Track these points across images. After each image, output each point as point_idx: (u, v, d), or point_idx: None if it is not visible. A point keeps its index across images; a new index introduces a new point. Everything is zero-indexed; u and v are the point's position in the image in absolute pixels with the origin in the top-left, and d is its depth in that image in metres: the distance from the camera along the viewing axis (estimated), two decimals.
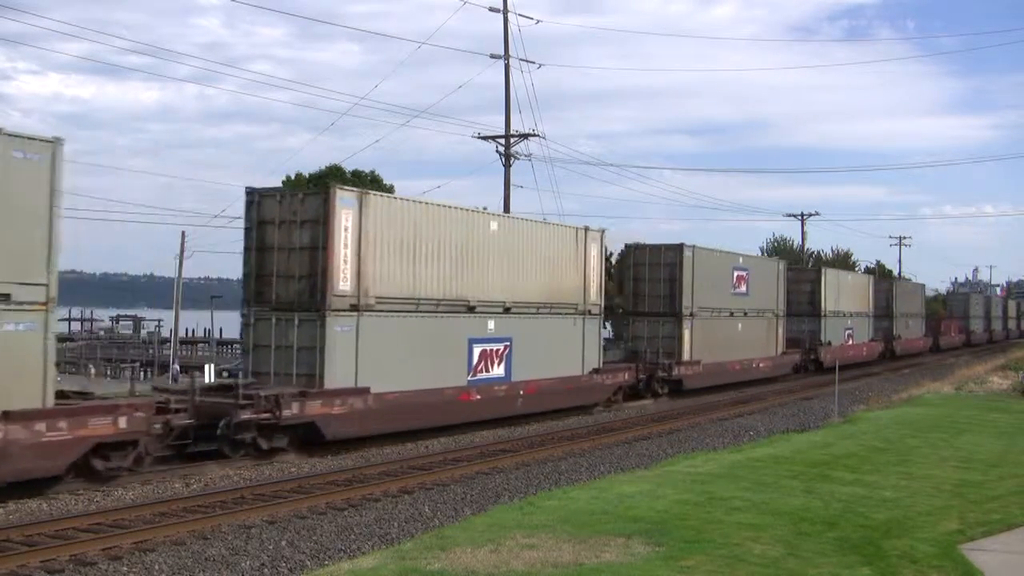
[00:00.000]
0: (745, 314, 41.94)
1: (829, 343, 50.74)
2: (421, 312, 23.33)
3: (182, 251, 48.90)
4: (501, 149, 38.34)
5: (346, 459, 20.67)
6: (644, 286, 37.71)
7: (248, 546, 13.06)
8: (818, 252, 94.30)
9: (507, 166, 38.04)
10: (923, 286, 78.96)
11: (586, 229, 30.65)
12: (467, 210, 25.83)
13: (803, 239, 77.94)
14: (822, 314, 50.48)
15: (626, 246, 52.52)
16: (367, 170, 46.64)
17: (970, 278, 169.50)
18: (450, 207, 24.88)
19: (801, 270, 54.98)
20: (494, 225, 26.24)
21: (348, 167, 46.19)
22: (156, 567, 12.00)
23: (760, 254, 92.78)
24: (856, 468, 17.66)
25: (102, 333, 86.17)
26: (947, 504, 14.55)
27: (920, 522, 13.22)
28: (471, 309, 25.06)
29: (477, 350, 25.47)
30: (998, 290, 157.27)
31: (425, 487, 17.46)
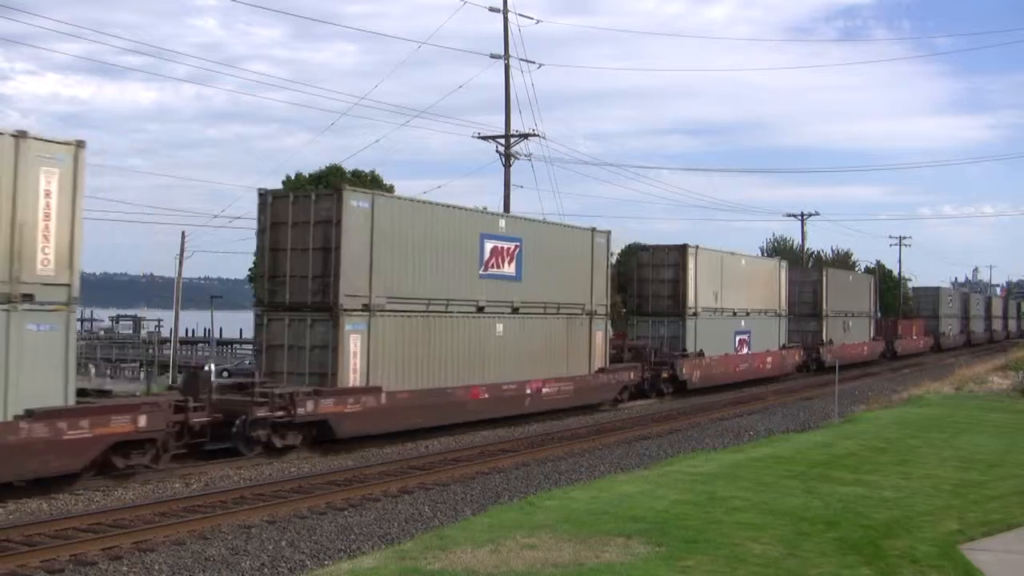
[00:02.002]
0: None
1: (701, 353, 37.46)
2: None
3: (182, 251, 48.91)
4: (501, 149, 38.33)
5: (346, 459, 20.67)
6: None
7: (248, 546, 13.06)
8: (818, 252, 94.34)
9: (507, 166, 38.04)
10: (871, 278, 68.59)
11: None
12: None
13: (803, 239, 77.98)
14: (689, 312, 37.30)
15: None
16: (367, 170, 46.61)
17: (970, 278, 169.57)
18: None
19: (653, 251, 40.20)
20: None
21: (348, 167, 46.18)
22: (156, 567, 12.00)
23: (760, 254, 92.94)
24: (856, 468, 17.66)
25: (102, 333, 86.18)
26: (947, 504, 14.56)
27: (920, 522, 13.22)
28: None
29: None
30: (998, 290, 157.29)
31: (425, 487, 17.46)
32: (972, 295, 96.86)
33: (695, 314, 37.42)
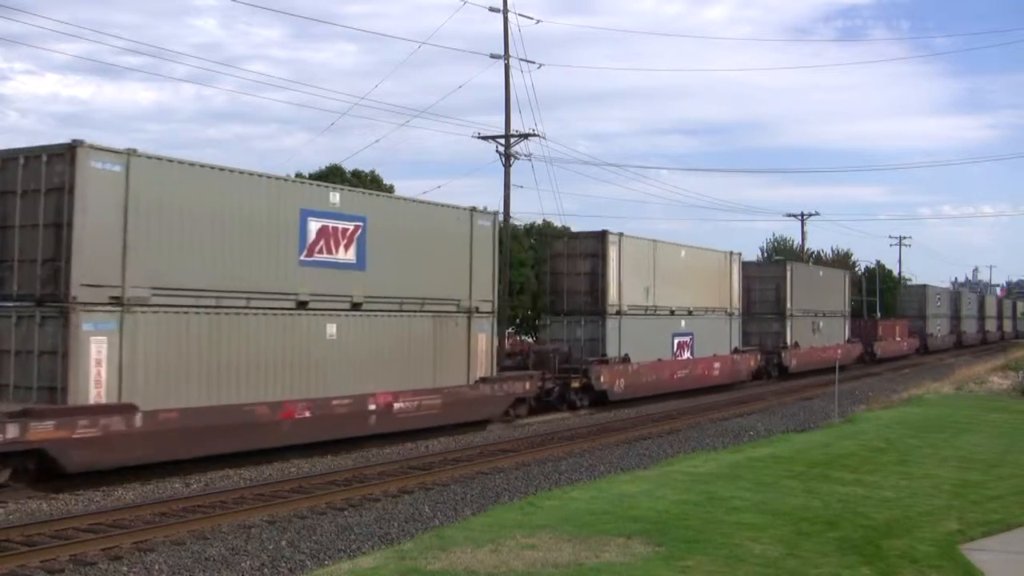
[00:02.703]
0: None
1: (626, 359, 32.35)
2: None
3: None
4: (501, 149, 38.32)
5: (346, 459, 20.67)
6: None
7: (248, 546, 13.06)
8: (818, 252, 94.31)
9: (507, 166, 38.01)
10: (846, 273, 60.78)
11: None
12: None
13: (803, 239, 77.96)
14: (610, 311, 32.22)
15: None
16: (367, 170, 46.66)
17: (970, 278, 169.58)
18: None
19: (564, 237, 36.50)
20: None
21: (348, 167, 46.21)
22: (156, 567, 12.00)
23: (760, 254, 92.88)
24: (856, 468, 17.67)
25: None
26: (947, 504, 14.56)
27: (920, 522, 13.23)
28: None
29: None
30: (998, 290, 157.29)
31: (425, 487, 17.46)
32: (963, 294, 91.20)
33: (618, 313, 32.02)
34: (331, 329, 21.08)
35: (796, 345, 46.81)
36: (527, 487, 17.63)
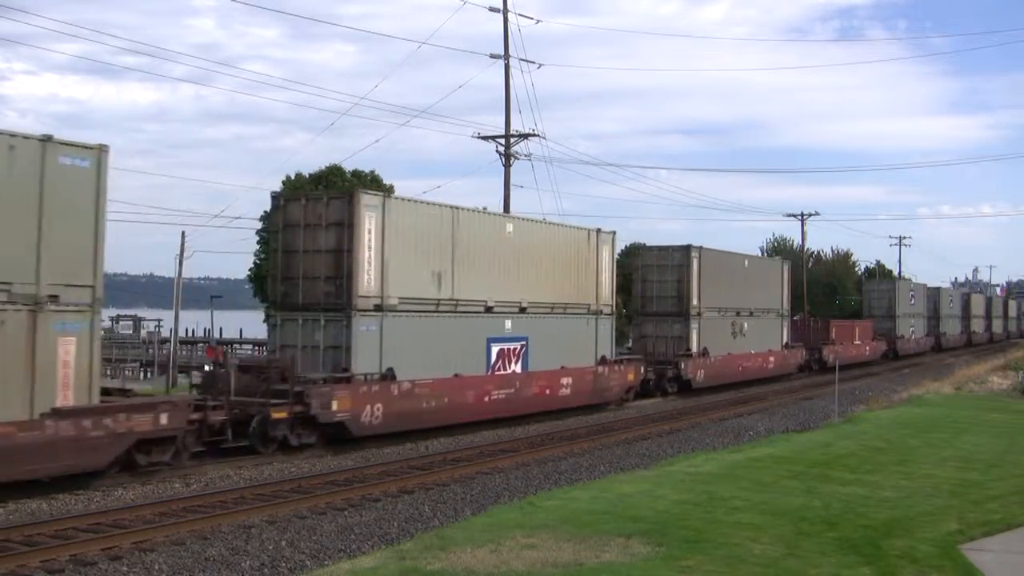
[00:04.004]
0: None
1: (389, 375, 22.54)
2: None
3: (182, 251, 48.85)
4: (501, 149, 38.33)
5: (346, 459, 20.67)
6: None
7: (248, 546, 13.06)
8: (818, 252, 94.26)
9: (507, 166, 38.03)
10: (784, 263, 49.02)
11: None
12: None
13: (803, 239, 77.91)
14: (356, 308, 22.32)
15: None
16: (367, 170, 46.64)
17: (970, 278, 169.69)
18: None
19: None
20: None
21: (347, 167, 46.20)
22: (156, 567, 12.00)
23: (760, 254, 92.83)
24: (856, 468, 17.67)
25: (102, 333, 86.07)
26: (947, 504, 14.56)
27: (920, 522, 13.23)
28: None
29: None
30: (998, 290, 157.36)
31: (425, 487, 17.46)
32: (943, 291, 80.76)
33: (379, 308, 22.42)
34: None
35: (705, 353, 37.94)
36: (527, 487, 17.63)
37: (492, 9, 37.76)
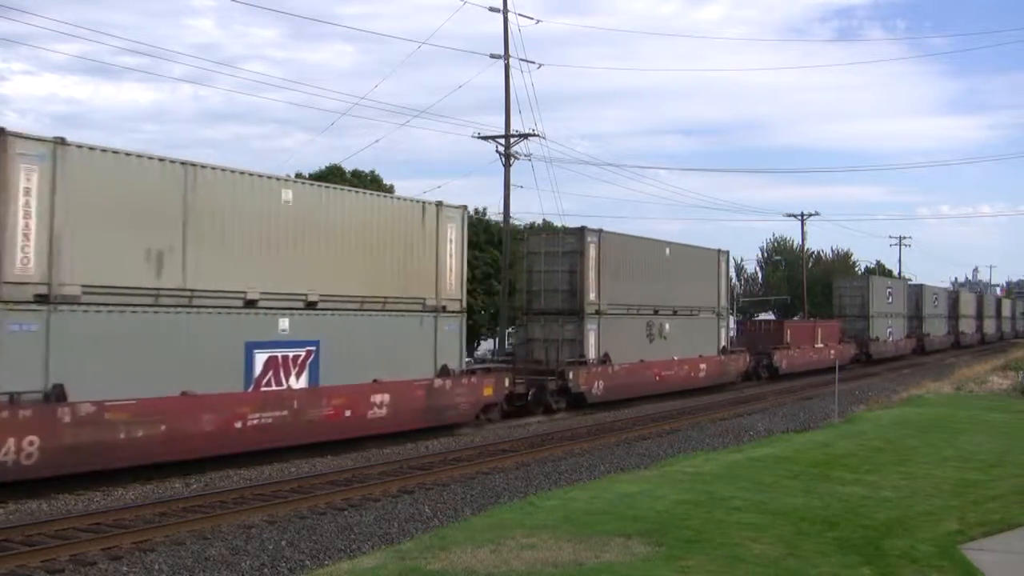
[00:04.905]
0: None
1: (54, 398, 16.02)
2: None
3: None
4: (501, 149, 38.33)
5: (346, 459, 20.67)
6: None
7: (248, 546, 13.06)
8: (818, 252, 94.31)
9: (507, 166, 38.03)
10: (722, 254, 40.68)
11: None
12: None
13: (803, 239, 77.99)
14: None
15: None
16: (367, 170, 46.63)
17: (970, 278, 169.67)
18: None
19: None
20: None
21: (347, 167, 46.18)
22: (156, 567, 12.00)
23: (760, 255, 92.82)
24: (856, 468, 17.67)
25: None
26: (947, 504, 14.56)
27: (920, 522, 13.23)
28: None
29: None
30: (998, 290, 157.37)
31: (425, 487, 17.46)
32: (925, 288, 74.17)
33: (26, 303, 15.95)
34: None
35: (605, 360, 31.17)
36: (527, 487, 17.63)
37: (492, 9, 37.77)
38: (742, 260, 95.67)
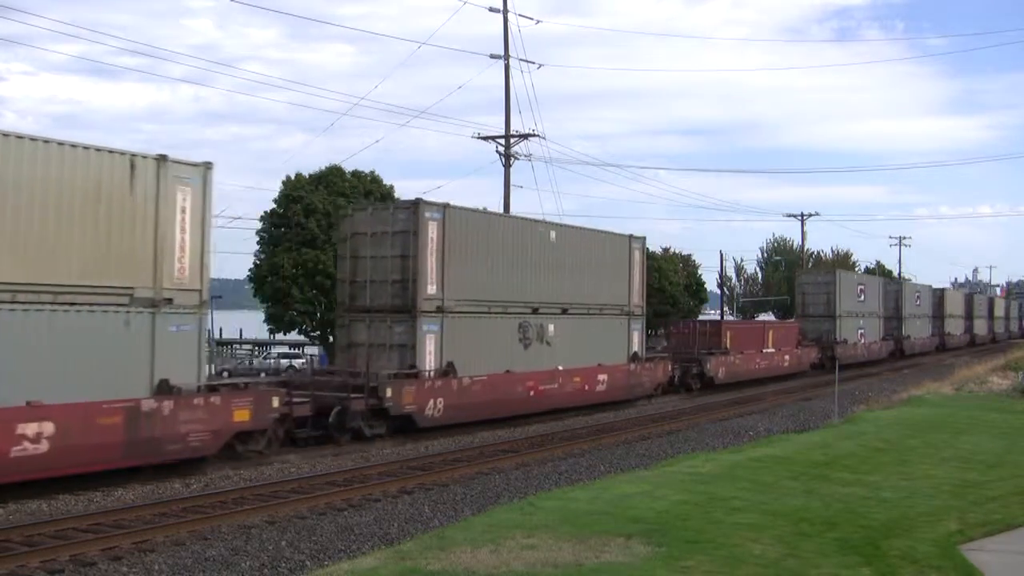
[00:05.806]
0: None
1: None
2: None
3: None
4: (501, 149, 38.33)
5: (346, 459, 20.67)
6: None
7: (248, 546, 13.06)
8: (818, 252, 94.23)
9: (507, 166, 38.04)
10: (635, 239, 33.56)
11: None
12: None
13: (803, 239, 77.93)
14: None
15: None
16: (367, 170, 46.58)
17: (970, 278, 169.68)
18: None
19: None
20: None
21: (347, 167, 46.14)
22: (156, 567, 12.00)
23: (760, 255, 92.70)
24: (856, 468, 17.66)
25: None
26: (947, 504, 14.55)
27: (920, 522, 13.22)
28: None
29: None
30: (998, 290, 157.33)
31: (425, 487, 17.46)
32: (906, 286, 68.10)
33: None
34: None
35: (449, 371, 24.42)
36: (527, 487, 17.63)
37: (492, 9, 37.78)
38: (742, 260, 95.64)
